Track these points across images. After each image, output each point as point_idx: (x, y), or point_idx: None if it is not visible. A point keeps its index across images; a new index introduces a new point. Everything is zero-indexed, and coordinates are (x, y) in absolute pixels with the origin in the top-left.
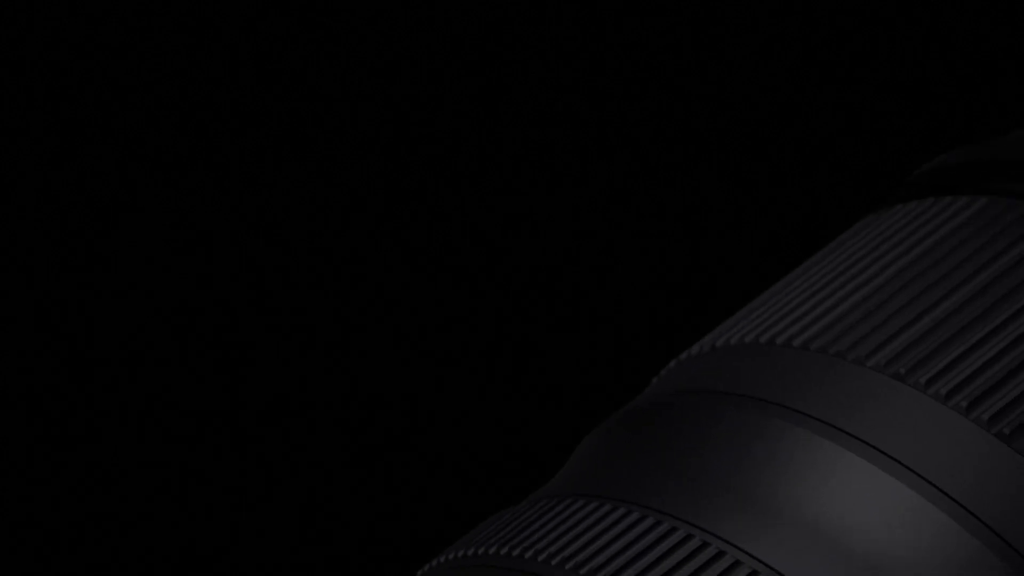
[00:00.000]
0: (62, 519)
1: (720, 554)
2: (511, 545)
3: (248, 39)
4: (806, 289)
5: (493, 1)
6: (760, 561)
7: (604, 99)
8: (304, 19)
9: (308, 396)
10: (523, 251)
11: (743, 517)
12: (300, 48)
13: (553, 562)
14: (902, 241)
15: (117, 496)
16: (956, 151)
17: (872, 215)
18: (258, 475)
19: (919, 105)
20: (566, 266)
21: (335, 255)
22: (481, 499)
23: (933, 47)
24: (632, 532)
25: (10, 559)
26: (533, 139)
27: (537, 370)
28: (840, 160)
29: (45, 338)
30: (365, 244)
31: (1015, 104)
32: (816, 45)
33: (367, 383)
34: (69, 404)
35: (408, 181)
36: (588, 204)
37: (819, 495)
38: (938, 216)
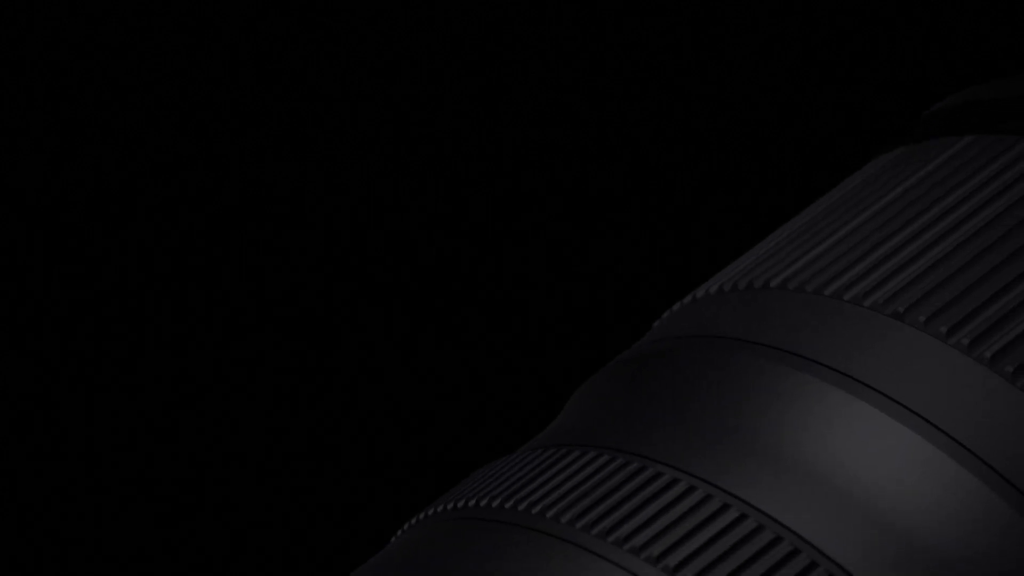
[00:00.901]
0: (61, 519)
1: (708, 497)
2: (503, 497)
3: (248, 39)
4: (802, 233)
5: (493, 1)
6: (749, 504)
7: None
8: (304, 19)
9: (299, 344)
10: (521, 203)
11: (735, 460)
12: (300, 48)
13: (534, 511)
14: (900, 182)
15: (115, 495)
16: (955, 95)
17: (872, 160)
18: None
19: (918, 104)
20: (563, 217)
21: (332, 248)
22: (475, 451)
23: (933, 47)
24: (616, 478)
25: (10, 559)
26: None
27: (536, 322)
28: (839, 147)
29: (44, 338)
30: (360, 234)
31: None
32: (816, 45)
33: (362, 331)
34: (64, 403)
35: (406, 174)
36: (586, 162)
37: (818, 438)
38: (936, 157)
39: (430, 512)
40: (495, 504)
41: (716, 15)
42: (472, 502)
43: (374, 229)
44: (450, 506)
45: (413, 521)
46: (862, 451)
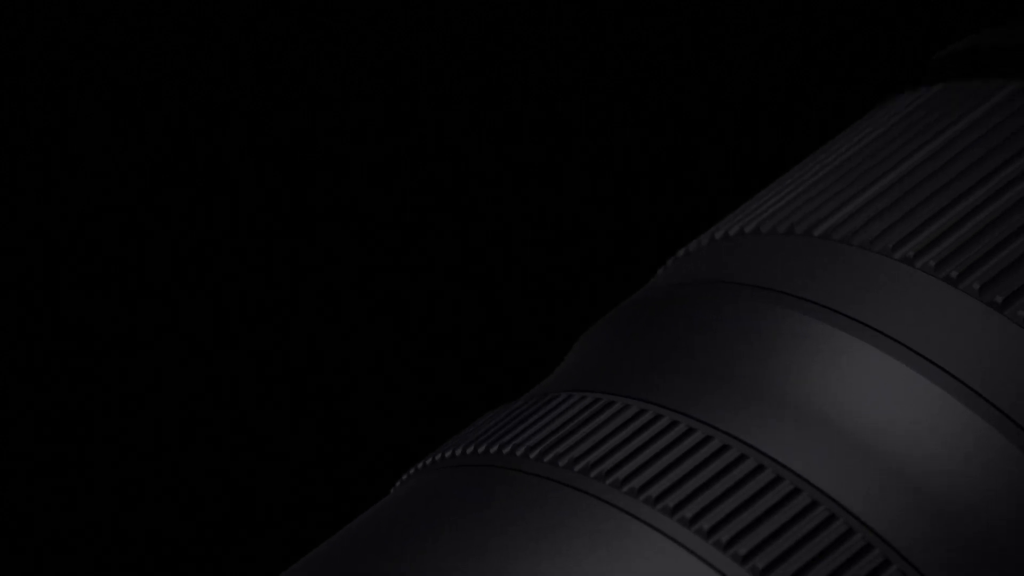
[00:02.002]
0: (58, 518)
1: (707, 439)
2: (500, 443)
3: (248, 39)
4: (807, 179)
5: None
6: (752, 447)
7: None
8: (304, 19)
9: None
10: (524, 148)
11: (739, 403)
12: (300, 48)
13: (532, 455)
14: (903, 130)
15: (112, 495)
16: (953, 43)
17: (877, 106)
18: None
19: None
20: (568, 164)
21: (333, 248)
22: (475, 399)
23: (933, 47)
24: (615, 422)
25: (10, 559)
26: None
27: (542, 269)
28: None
29: (42, 338)
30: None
31: None
32: (816, 45)
33: (372, 277)
34: (58, 402)
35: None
36: (592, 115)
37: (826, 382)
38: (938, 103)
39: (432, 459)
40: (492, 451)
41: (716, 15)
42: (473, 448)
43: (375, 172)
44: (448, 453)
45: (411, 472)
46: (870, 395)
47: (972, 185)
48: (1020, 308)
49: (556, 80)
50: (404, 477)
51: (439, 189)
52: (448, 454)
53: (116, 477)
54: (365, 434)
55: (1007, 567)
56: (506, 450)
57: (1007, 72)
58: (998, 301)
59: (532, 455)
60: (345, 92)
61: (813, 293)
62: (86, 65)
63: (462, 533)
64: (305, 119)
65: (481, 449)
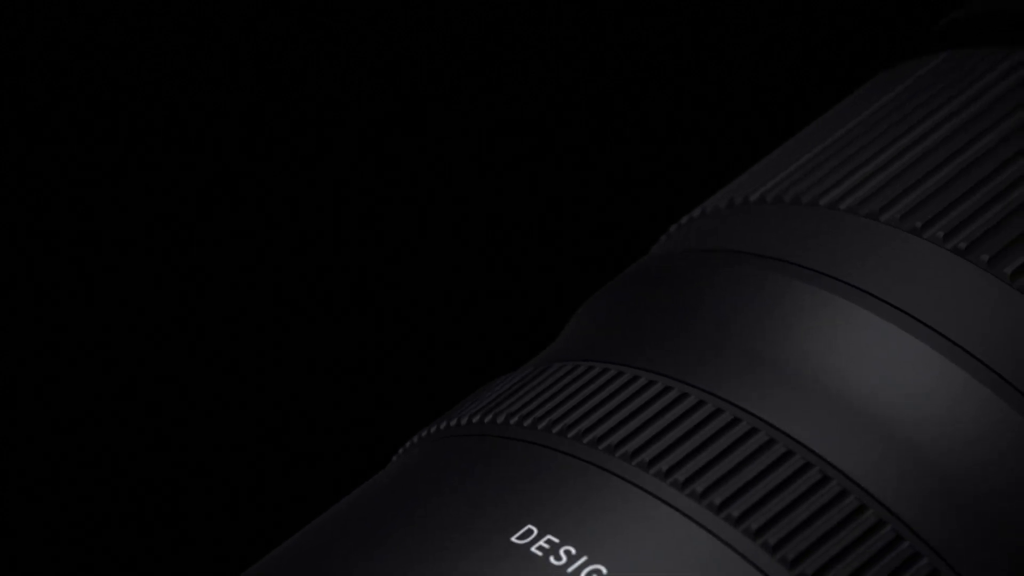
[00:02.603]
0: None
1: (700, 404)
2: (495, 413)
3: (248, 39)
4: (802, 148)
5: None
6: (751, 413)
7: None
8: (304, 19)
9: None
10: (521, 122)
11: (736, 370)
12: (300, 48)
13: (526, 423)
14: (908, 99)
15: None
16: (954, 11)
17: (879, 74)
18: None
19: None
20: (569, 132)
21: (333, 246)
22: (474, 371)
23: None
24: (608, 389)
25: (10, 559)
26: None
27: (541, 240)
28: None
29: (41, 337)
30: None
31: None
32: (816, 45)
33: (379, 253)
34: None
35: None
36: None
37: (825, 348)
38: (938, 69)
39: (428, 432)
40: (487, 420)
41: (716, 15)
42: (468, 419)
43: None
44: (444, 425)
45: (408, 445)
46: (870, 360)
47: (956, 150)
48: (1007, 266)
49: (553, 54)
50: (400, 451)
51: (437, 160)
52: (444, 425)
53: (114, 475)
54: (365, 409)
55: (1008, 532)
56: (500, 419)
57: (1011, 39)
58: (1000, 269)
59: (526, 423)
60: (345, 91)
61: (815, 262)
62: (86, 65)
63: (456, 501)
64: (301, 119)
65: (476, 419)
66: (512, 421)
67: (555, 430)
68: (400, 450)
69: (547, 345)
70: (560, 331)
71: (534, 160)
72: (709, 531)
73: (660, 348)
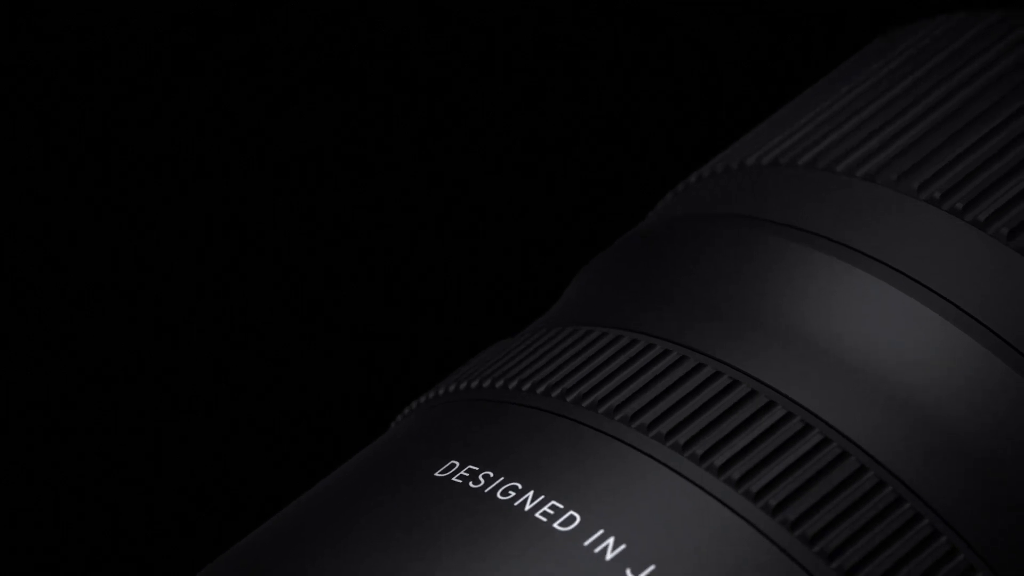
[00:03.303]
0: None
1: (699, 366)
2: (493, 378)
3: (248, 39)
4: (800, 112)
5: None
6: (751, 376)
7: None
8: (304, 19)
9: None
10: (526, 90)
11: (736, 333)
12: (301, 47)
13: (524, 388)
14: (904, 63)
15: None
16: None
17: (877, 40)
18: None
19: None
20: (570, 93)
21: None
22: (474, 334)
23: None
24: (606, 353)
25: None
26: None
27: (538, 205)
28: None
29: (41, 338)
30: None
31: None
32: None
33: (374, 219)
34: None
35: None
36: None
37: (820, 308)
38: (950, 32)
39: (427, 398)
40: (485, 385)
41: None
42: (467, 384)
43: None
44: (442, 391)
45: (406, 412)
46: (868, 322)
47: (953, 111)
48: (1019, 236)
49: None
50: (399, 417)
51: (435, 129)
52: (442, 391)
53: (110, 469)
54: (363, 377)
55: (1010, 492)
56: (499, 384)
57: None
58: (997, 229)
59: (524, 388)
60: (344, 92)
61: (813, 224)
62: (86, 65)
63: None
64: (297, 116)
65: (475, 384)
66: (511, 386)
67: (554, 394)
68: (399, 416)
69: (548, 309)
70: (560, 295)
71: (535, 121)
72: (707, 491)
73: (658, 311)
